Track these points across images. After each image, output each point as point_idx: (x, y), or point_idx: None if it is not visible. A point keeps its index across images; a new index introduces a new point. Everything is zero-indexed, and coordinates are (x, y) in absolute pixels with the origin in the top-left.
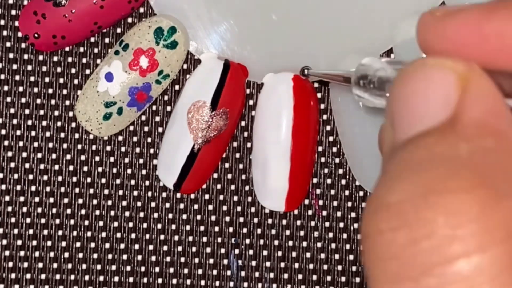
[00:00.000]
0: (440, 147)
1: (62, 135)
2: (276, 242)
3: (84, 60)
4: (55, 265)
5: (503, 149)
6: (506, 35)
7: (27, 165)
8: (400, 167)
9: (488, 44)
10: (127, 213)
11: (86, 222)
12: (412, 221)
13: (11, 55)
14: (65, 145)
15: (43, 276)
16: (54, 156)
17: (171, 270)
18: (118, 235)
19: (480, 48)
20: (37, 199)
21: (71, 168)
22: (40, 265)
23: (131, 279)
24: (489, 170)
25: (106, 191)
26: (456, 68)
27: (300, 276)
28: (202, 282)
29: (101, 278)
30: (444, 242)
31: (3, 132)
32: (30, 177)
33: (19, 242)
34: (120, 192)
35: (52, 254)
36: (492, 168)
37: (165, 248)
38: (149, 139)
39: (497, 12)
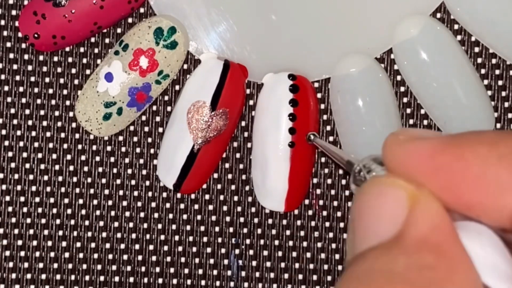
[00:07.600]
0: (380, 262)
1: (63, 135)
2: (276, 242)
3: (84, 61)
4: (55, 265)
5: (441, 264)
6: (453, 172)
7: (27, 165)
8: (345, 279)
9: (438, 178)
10: (127, 213)
11: (87, 222)
12: None
13: (11, 55)
14: (65, 145)
15: (43, 276)
16: (54, 156)
17: (172, 270)
18: (119, 235)
19: (433, 180)
20: (37, 199)
21: (71, 168)
22: (41, 265)
23: (131, 279)
24: (423, 284)
25: (106, 191)
26: (406, 188)
27: (300, 276)
28: (203, 282)
29: (102, 278)
30: None
31: (4, 132)
32: (31, 177)
33: (20, 242)
34: (121, 192)
35: (52, 254)
36: (426, 282)
37: (166, 248)
38: (150, 139)
39: (448, 149)
